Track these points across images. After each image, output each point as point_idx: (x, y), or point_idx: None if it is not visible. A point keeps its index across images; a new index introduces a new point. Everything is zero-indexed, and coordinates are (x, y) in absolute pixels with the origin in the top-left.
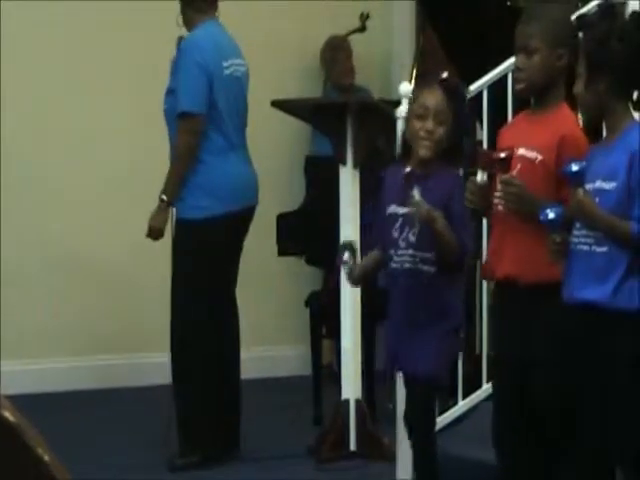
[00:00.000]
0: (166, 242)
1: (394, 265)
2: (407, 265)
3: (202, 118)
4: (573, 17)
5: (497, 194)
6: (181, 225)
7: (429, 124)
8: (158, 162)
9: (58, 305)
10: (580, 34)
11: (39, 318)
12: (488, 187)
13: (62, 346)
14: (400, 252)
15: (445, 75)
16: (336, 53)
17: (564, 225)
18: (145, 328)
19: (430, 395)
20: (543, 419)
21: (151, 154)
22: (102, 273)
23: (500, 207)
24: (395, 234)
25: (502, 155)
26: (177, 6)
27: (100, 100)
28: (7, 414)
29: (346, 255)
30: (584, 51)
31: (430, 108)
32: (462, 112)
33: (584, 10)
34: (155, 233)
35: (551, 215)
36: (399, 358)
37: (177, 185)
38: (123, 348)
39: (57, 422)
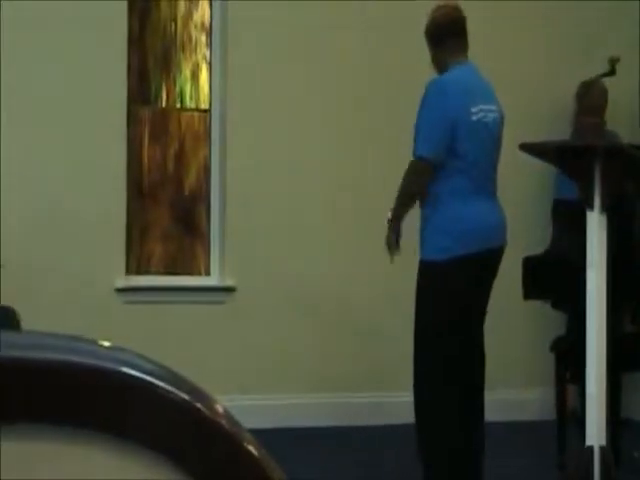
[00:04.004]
0: (406, 281)
1: None
2: None
3: (432, 165)
4: None
5: None
6: (423, 266)
7: None
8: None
9: (298, 342)
10: None
11: (278, 354)
12: None
13: (301, 382)
14: None
15: None
16: (589, 90)
17: None
18: (386, 367)
19: None
20: None
21: (380, 199)
22: (343, 311)
23: None
24: None
25: None
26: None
27: (323, 130)
28: (251, 448)
29: None
30: None
31: None
32: None
33: None
34: (391, 247)
35: None
36: None
37: (400, 218)
38: (364, 386)
39: (295, 457)
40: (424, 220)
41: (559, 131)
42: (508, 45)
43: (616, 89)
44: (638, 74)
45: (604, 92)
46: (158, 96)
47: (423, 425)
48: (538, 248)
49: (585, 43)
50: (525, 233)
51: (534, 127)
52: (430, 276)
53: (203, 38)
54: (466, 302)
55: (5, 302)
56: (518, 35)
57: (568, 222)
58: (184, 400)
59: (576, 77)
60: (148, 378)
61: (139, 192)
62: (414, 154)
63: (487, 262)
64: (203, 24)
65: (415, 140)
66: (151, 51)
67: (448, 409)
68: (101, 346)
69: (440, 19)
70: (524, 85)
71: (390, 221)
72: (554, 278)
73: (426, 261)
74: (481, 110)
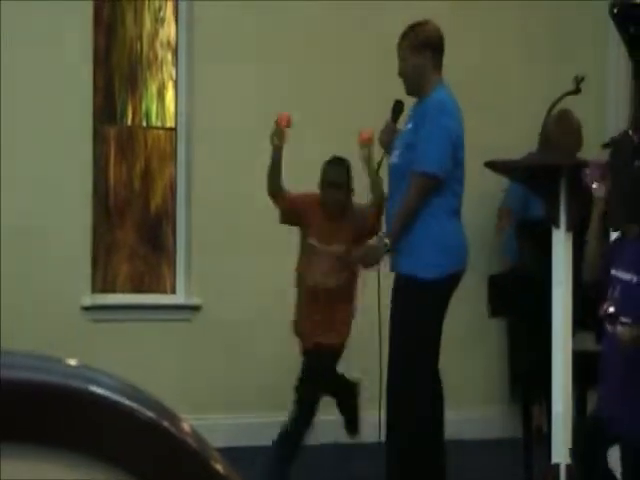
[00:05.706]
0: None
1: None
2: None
3: (439, 182)
4: None
5: None
6: (409, 282)
7: None
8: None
9: (264, 360)
10: None
11: (244, 372)
12: None
13: (269, 400)
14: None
15: None
16: (562, 129)
17: None
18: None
19: None
20: None
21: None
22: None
23: None
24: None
25: None
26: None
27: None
28: (218, 466)
29: None
30: None
31: None
32: None
33: None
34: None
35: None
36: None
37: (401, 235)
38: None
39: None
40: (409, 235)
41: (527, 150)
42: (477, 60)
43: (583, 107)
44: (604, 91)
45: (579, 139)
46: (124, 114)
47: (393, 444)
48: (502, 266)
49: (553, 61)
50: (489, 251)
51: (501, 146)
52: (417, 292)
53: (169, 56)
54: (439, 322)
55: None
56: (487, 50)
57: (533, 240)
58: (151, 418)
59: (540, 95)
60: (115, 396)
61: (105, 210)
62: (419, 170)
63: (460, 280)
64: (169, 42)
65: (419, 155)
66: (117, 69)
67: (416, 429)
68: (68, 364)
69: (425, 31)
70: (492, 103)
71: (388, 239)
72: (520, 295)
73: (413, 277)
74: (463, 130)
